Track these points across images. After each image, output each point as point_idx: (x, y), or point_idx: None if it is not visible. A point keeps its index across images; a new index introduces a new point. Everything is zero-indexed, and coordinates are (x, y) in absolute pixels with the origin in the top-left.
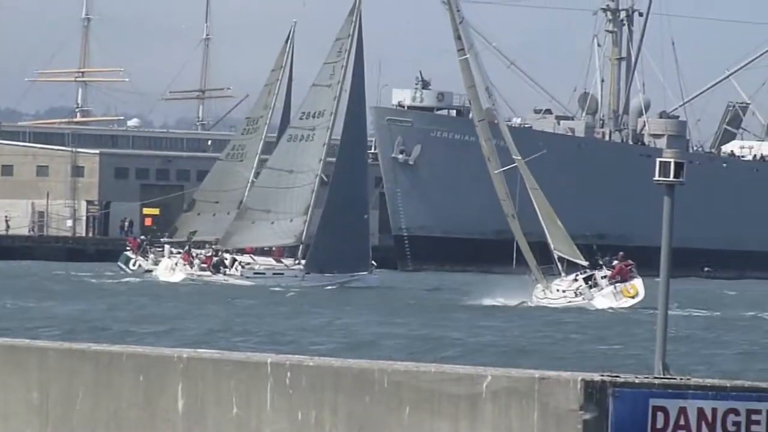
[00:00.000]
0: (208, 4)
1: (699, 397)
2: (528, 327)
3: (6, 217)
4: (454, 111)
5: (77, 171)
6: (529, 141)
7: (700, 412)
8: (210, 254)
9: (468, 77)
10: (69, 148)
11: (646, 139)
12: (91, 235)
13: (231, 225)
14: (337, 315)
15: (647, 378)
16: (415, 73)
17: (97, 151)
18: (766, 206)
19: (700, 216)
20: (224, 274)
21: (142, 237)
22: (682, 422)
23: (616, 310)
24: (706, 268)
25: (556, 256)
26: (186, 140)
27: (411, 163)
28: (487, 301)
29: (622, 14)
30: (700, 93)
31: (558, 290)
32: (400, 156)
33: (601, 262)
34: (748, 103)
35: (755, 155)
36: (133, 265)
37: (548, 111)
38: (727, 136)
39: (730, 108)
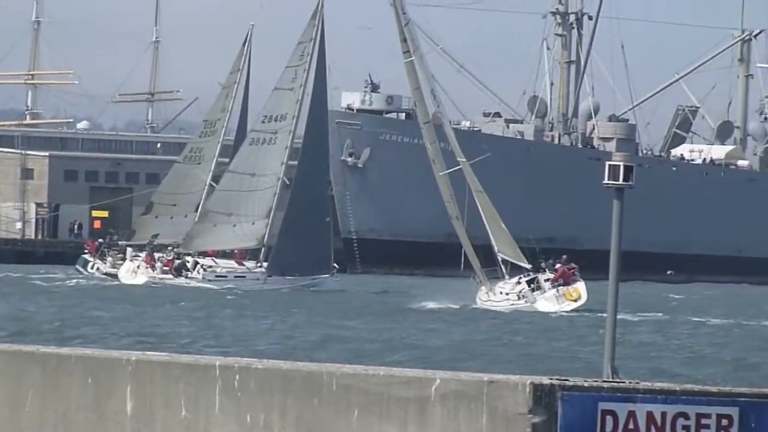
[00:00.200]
0: (158, 7)
1: (648, 401)
2: (474, 330)
3: None
4: (404, 114)
5: (26, 173)
6: (475, 144)
7: (650, 416)
8: (171, 257)
9: (413, 79)
10: (18, 151)
11: (596, 143)
12: (40, 237)
13: (193, 228)
14: (282, 318)
15: (596, 381)
16: (364, 76)
17: (47, 154)
18: (715, 210)
19: (650, 219)
20: (186, 277)
21: (100, 240)
22: (631, 426)
23: (559, 313)
24: (669, 272)
25: (499, 259)
26: (135, 143)
27: (360, 166)
28: (431, 305)
29: (572, 18)
30: (650, 96)
31: (501, 293)
32: (349, 159)
33: (544, 265)
34: (698, 107)
35: (705, 159)
36: (91, 268)
37: (497, 114)
38: (677, 140)
39: (680, 111)
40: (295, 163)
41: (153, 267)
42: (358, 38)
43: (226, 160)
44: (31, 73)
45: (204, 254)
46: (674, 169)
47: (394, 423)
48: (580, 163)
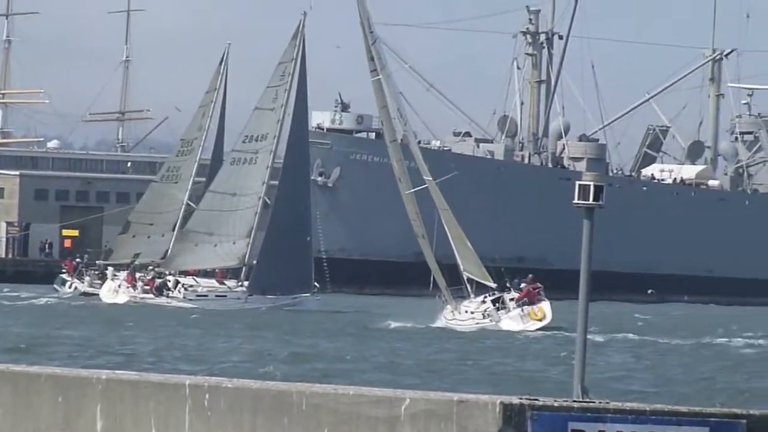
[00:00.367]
0: (128, 27)
1: (618, 421)
2: (441, 348)
3: None
4: (374, 133)
5: None
6: (444, 163)
7: None
8: (152, 276)
9: (380, 98)
10: None
11: (566, 162)
12: (10, 256)
13: (174, 247)
14: (246, 337)
15: (566, 401)
16: (334, 95)
17: (17, 173)
18: (685, 230)
19: (620, 239)
20: (167, 296)
21: (78, 260)
22: None
23: (524, 332)
24: (649, 291)
25: (465, 278)
26: (106, 162)
27: (330, 185)
28: (395, 324)
29: (542, 37)
30: (621, 116)
31: (466, 312)
32: (320, 178)
33: (509, 285)
34: (669, 127)
35: (675, 179)
36: (69, 287)
37: (467, 134)
38: (647, 160)
39: (651, 131)
40: (276, 182)
41: (134, 286)
42: (330, 57)
43: (203, 179)
44: (2, 92)
45: (185, 273)
46: (645, 188)
47: None
48: (550, 183)
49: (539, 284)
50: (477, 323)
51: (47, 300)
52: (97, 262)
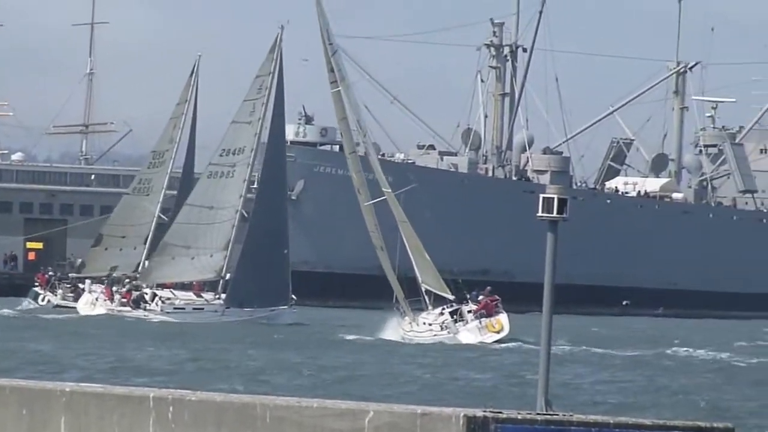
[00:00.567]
0: (92, 39)
1: None
2: (402, 361)
3: None
4: (337, 146)
5: None
6: (402, 175)
7: None
8: (127, 289)
9: (340, 109)
10: None
11: (530, 175)
12: None
13: (151, 260)
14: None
15: (530, 414)
16: (298, 107)
17: None
18: (649, 243)
19: (584, 252)
20: (144, 309)
21: (50, 273)
22: None
23: (481, 344)
24: (625, 302)
25: (423, 290)
26: (70, 174)
27: (294, 198)
28: (348, 337)
29: (506, 50)
30: (584, 129)
31: (425, 324)
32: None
33: (467, 297)
34: (633, 139)
35: (639, 191)
36: (42, 300)
37: (431, 147)
38: (611, 173)
39: (614, 144)
40: (253, 195)
41: (112, 299)
42: (296, 71)
43: (174, 192)
44: None
45: (162, 286)
46: (608, 201)
47: None
48: (514, 196)
49: (497, 297)
50: (435, 335)
51: (9, 312)
52: (69, 275)
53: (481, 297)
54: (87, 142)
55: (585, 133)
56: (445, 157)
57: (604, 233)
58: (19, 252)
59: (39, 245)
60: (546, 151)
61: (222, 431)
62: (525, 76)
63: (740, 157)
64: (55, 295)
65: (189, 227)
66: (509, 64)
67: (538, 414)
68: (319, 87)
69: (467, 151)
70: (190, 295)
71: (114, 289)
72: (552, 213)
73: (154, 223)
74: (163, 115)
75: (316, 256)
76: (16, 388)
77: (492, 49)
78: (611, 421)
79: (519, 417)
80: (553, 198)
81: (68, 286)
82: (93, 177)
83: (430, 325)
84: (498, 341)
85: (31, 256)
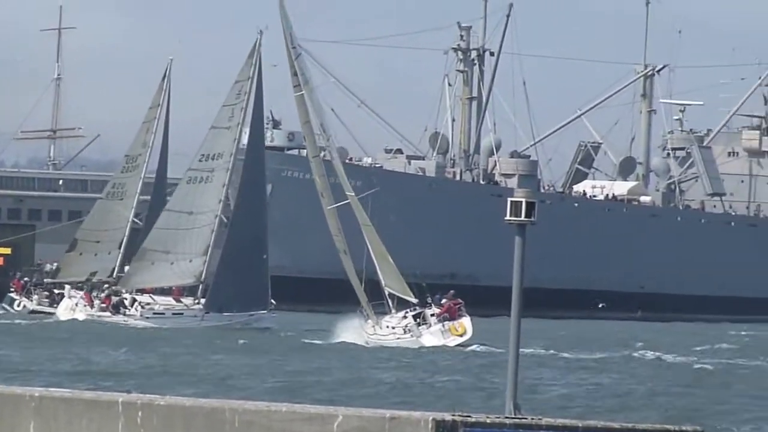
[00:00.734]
0: (60, 44)
1: None
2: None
3: None
4: (305, 150)
5: None
6: (366, 178)
7: None
8: (108, 294)
9: (303, 113)
10: None
11: (498, 179)
12: None
13: (131, 266)
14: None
15: (498, 418)
16: (266, 112)
17: None
18: (617, 246)
19: (551, 256)
20: (124, 314)
21: (26, 278)
22: None
23: (446, 347)
24: (600, 304)
25: (386, 293)
26: (38, 180)
27: None
28: (308, 340)
29: (473, 54)
30: (552, 132)
31: (388, 327)
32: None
33: (430, 300)
34: (600, 143)
35: (607, 195)
36: (18, 306)
37: (399, 150)
38: (579, 176)
39: (582, 147)
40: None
41: (92, 304)
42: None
43: (148, 197)
44: None
45: (142, 291)
46: (576, 205)
47: None
48: (481, 200)
49: (460, 300)
50: (398, 338)
51: None
52: (45, 280)
53: (444, 300)
54: (55, 147)
55: (553, 137)
56: (412, 161)
57: (571, 237)
58: None
59: (7, 250)
60: (513, 154)
61: None
62: (492, 80)
63: (708, 160)
64: (31, 301)
65: (168, 232)
66: (476, 68)
67: (507, 417)
68: (287, 91)
69: (435, 154)
70: (170, 300)
71: (93, 294)
72: (520, 216)
73: (128, 228)
74: (131, 120)
75: (286, 260)
76: None
77: (459, 53)
78: (580, 425)
79: (488, 421)
80: (521, 201)
81: (44, 291)
82: (61, 182)
83: (393, 328)
84: (461, 344)
85: None
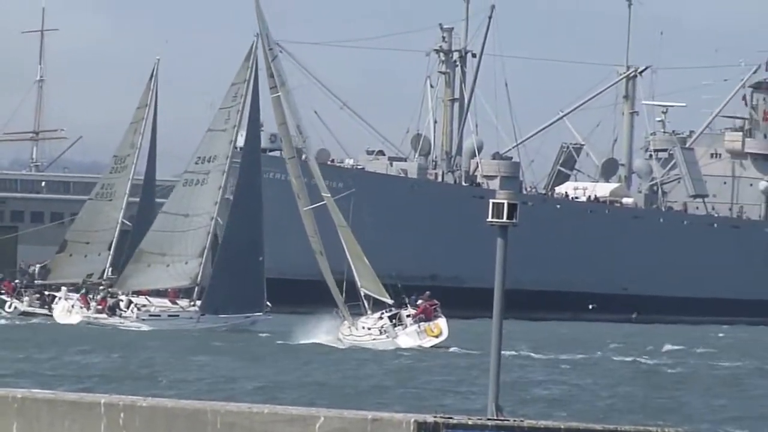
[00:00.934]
0: (42, 46)
1: None
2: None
3: None
4: None
5: None
6: (343, 180)
7: None
8: (102, 296)
9: (279, 114)
10: None
11: (480, 180)
12: None
13: (127, 268)
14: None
15: (480, 419)
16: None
17: None
18: (599, 248)
19: (534, 257)
20: (120, 316)
21: (17, 281)
22: None
23: (423, 348)
24: (591, 306)
25: (362, 294)
26: (20, 181)
27: None
28: (280, 342)
29: (455, 55)
30: (534, 134)
31: (363, 328)
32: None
33: (406, 301)
34: (583, 144)
35: (589, 196)
36: (9, 307)
37: (381, 152)
38: (561, 178)
39: (564, 149)
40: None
41: (88, 306)
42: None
43: (137, 199)
44: None
45: (137, 293)
46: (558, 206)
47: None
48: (463, 201)
49: (436, 301)
50: (374, 339)
51: None
52: (35, 281)
53: (420, 301)
54: (37, 149)
55: (535, 139)
56: (394, 163)
57: (554, 238)
58: None
59: None
60: (495, 156)
61: None
62: (474, 82)
63: (690, 161)
64: (22, 302)
65: (164, 235)
66: (458, 69)
67: (489, 419)
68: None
69: (417, 156)
70: (166, 302)
71: (89, 296)
72: (502, 218)
73: (118, 229)
74: (114, 122)
75: (267, 262)
76: None
77: (441, 54)
78: (562, 427)
79: (470, 422)
80: (503, 203)
81: (35, 293)
82: (43, 184)
83: (369, 329)
84: (436, 345)
85: None
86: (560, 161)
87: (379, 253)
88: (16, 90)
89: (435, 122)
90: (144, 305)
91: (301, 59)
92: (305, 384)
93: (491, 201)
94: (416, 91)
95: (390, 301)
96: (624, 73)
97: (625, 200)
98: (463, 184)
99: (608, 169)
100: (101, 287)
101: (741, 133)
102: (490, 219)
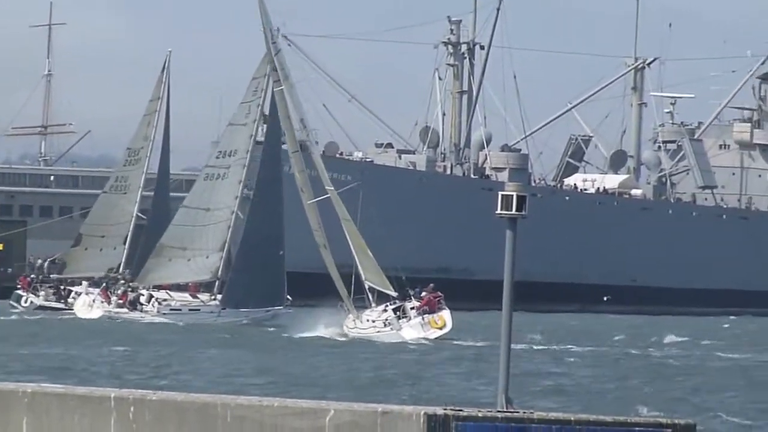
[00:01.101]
0: (50, 41)
1: (543, 431)
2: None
3: None
4: None
5: None
6: (360, 173)
7: None
8: (122, 290)
9: (283, 108)
10: None
11: (488, 173)
12: None
13: (148, 262)
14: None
15: (490, 412)
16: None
17: None
18: (608, 239)
19: (543, 249)
20: (141, 310)
21: (32, 275)
22: None
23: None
24: (606, 298)
25: (366, 287)
26: (29, 176)
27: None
28: (285, 335)
29: (464, 48)
30: (543, 126)
31: (368, 320)
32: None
33: (410, 293)
34: (591, 136)
35: (598, 188)
36: (25, 302)
37: (389, 145)
38: (570, 169)
39: (573, 141)
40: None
41: (109, 301)
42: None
43: (151, 193)
44: None
45: (158, 287)
46: (567, 198)
47: None
48: (472, 194)
49: (440, 293)
50: (378, 331)
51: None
52: (51, 276)
53: (423, 293)
54: (46, 143)
55: (543, 130)
56: (403, 156)
57: (563, 230)
58: None
59: None
60: (504, 148)
61: (183, 430)
62: (483, 74)
63: (699, 152)
64: (38, 297)
65: (185, 229)
66: (467, 61)
67: (499, 411)
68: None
69: (425, 149)
70: (186, 296)
71: (110, 291)
72: (511, 210)
73: (132, 223)
74: (122, 116)
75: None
76: None
77: (449, 46)
78: (572, 419)
79: (480, 415)
80: (512, 195)
81: (50, 287)
82: (52, 178)
83: (373, 322)
84: (440, 337)
85: None
86: (569, 153)
87: (388, 246)
88: (24, 85)
89: (443, 115)
90: (165, 299)
91: (310, 52)
92: (313, 379)
93: (500, 193)
94: (425, 84)
95: (394, 294)
96: (632, 64)
97: (633, 192)
98: (472, 176)
99: (617, 161)
100: (122, 281)
101: (749, 124)
102: (499, 211)
